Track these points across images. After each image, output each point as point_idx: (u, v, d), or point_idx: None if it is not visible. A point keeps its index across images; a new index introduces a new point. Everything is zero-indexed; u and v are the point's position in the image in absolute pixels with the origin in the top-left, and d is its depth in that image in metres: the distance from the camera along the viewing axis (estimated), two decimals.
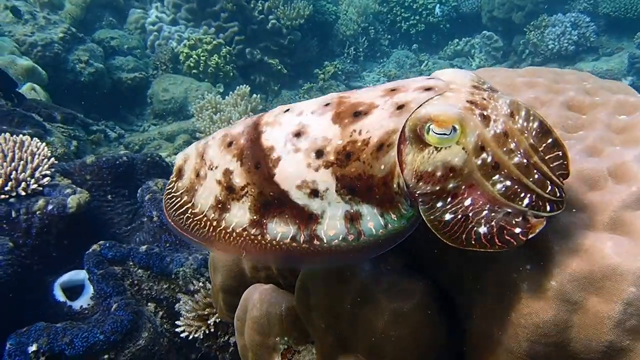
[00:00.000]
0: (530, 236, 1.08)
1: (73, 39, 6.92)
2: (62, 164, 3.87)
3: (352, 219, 1.21)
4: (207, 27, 8.76)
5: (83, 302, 3.43)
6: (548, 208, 1.11)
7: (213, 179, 1.37)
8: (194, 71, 8.26)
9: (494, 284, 1.26)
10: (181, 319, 2.98)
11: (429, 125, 1.13)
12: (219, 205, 1.34)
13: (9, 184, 3.31)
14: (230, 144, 1.37)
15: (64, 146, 4.32)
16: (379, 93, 1.28)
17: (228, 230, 1.31)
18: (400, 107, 1.21)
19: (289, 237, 1.24)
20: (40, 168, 3.44)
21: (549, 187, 1.11)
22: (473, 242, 1.10)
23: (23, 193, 3.34)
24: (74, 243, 3.54)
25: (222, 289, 2.10)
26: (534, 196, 1.10)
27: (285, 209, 1.26)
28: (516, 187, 1.10)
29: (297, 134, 1.27)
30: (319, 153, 1.24)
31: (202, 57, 8.21)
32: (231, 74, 8.43)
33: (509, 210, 1.10)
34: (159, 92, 7.70)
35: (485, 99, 1.18)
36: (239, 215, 1.31)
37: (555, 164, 1.15)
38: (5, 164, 3.35)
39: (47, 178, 3.45)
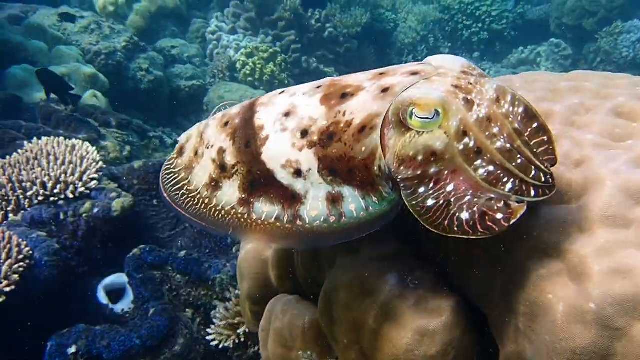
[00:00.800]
0: (512, 222, 1.05)
1: (135, 47, 7.16)
2: (111, 168, 3.95)
3: (334, 200, 1.22)
4: (265, 35, 8.84)
5: (124, 305, 3.46)
6: (532, 193, 1.08)
7: (209, 158, 1.41)
8: (250, 79, 8.35)
9: (526, 303, 1.14)
10: (212, 327, 2.94)
11: (412, 109, 1.12)
12: (212, 184, 1.38)
13: (58, 186, 3.40)
14: (226, 124, 1.41)
15: (116, 151, 4.42)
16: (368, 76, 1.29)
17: (218, 208, 1.35)
18: (384, 90, 1.21)
19: (273, 217, 1.27)
20: (88, 172, 3.52)
21: (533, 172, 1.08)
22: (455, 229, 1.08)
23: (71, 196, 3.42)
24: (118, 246, 3.59)
25: (248, 297, 2.07)
26: (517, 181, 1.08)
27: (271, 188, 1.28)
28: (499, 172, 1.08)
29: (287, 114, 1.29)
30: (304, 133, 1.25)
31: (258, 65, 8.29)
32: (286, 82, 8.46)
33: (492, 195, 1.08)
34: (215, 100, 7.83)
35: (471, 84, 1.16)
36: (229, 193, 1.34)
37: (540, 149, 1.11)
38: (55, 167, 3.45)
39: (95, 181, 3.52)
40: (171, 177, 1.51)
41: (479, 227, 1.07)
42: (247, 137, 1.33)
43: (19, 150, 3.67)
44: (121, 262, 3.44)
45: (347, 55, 9.31)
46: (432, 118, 1.11)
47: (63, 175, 3.43)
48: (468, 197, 1.09)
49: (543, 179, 1.09)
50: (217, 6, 9.46)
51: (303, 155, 1.24)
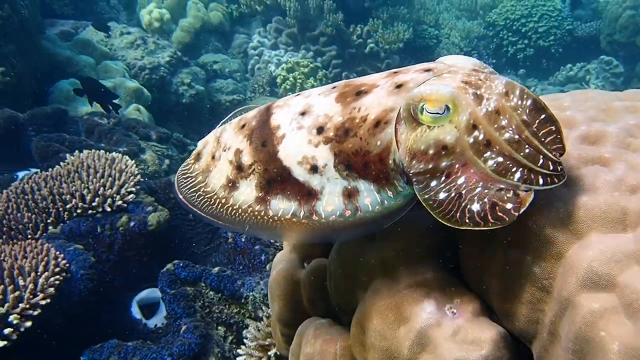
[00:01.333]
0: (522, 210, 1.07)
1: (178, 62, 7.29)
2: (149, 182, 3.97)
3: (350, 195, 1.24)
4: (306, 51, 8.87)
5: (157, 320, 3.44)
6: (541, 181, 1.09)
7: (226, 160, 1.44)
8: (290, 94, 8.35)
9: (576, 340, 1.04)
10: (243, 347, 2.87)
11: (423, 105, 1.14)
12: (229, 184, 1.40)
13: (97, 199, 3.42)
14: (243, 126, 1.45)
15: (155, 164, 4.45)
16: (383, 75, 1.32)
17: (235, 207, 1.37)
18: (399, 86, 1.24)
19: (289, 213, 1.29)
20: (126, 185, 3.53)
21: (541, 161, 1.10)
22: (467, 221, 1.10)
23: (109, 209, 3.44)
24: (153, 260, 3.58)
25: (279, 319, 1.99)
26: (525, 170, 1.09)
27: (288, 185, 1.30)
28: (507, 162, 1.10)
29: (303, 113, 1.32)
30: (320, 129, 1.28)
31: (298, 80, 8.30)
32: None
33: (502, 186, 1.10)
34: None
35: (480, 80, 1.18)
36: (246, 193, 1.36)
37: (549, 138, 1.13)
38: (95, 179, 3.48)
39: (132, 195, 3.53)
40: (188, 180, 1.54)
41: (489, 217, 1.08)
42: (263, 136, 1.36)
43: (61, 163, 3.73)
44: (156, 276, 3.42)
45: None
46: (443, 113, 1.13)
47: (101, 189, 3.45)
48: (479, 189, 1.11)
49: (551, 167, 1.10)
50: (260, 22, 9.57)
51: (319, 151, 1.27)
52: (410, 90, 1.18)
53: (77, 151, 3.87)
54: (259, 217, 1.33)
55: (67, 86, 5.80)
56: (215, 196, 1.42)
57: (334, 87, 1.36)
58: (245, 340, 2.89)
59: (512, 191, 1.09)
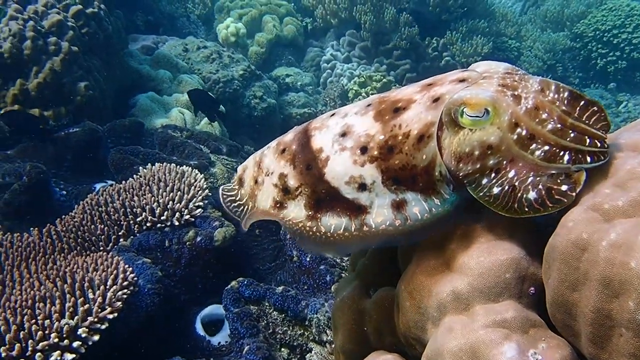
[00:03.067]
0: (578, 189, 1.12)
1: (251, 75, 7.36)
2: (217, 196, 3.95)
3: (399, 206, 1.29)
4: (379, 64, 8.72)
5: (221, 338, 3.38)
6: (589, 159, 1.13)
7: (270, 184, 1.50)
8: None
9: None
10: None
11: (463, 109, 1.19)
12: (277, 205, 1.47)
13: (165, 213, 3.43)
14: (283, 151, 1.49)
15: (225, 178, 4.45)
16: (417, 89, 1.35)
17: (286, 220, 1.44)
18: (436, 99, 1.28)
19: (341, 228, 1.34)
20: (194, 199, 3.53)
21: (588, 141, 1.14)
22: (526, 209, 1.15)
23: (177, 223, 3.44)
24: (218, 276, 3.54)
25: (342, 351, 1.90)
26: (572, 152, 1.14)
27: (337, 203, 1.35)
28: (554, 149, 1.14)
29: (343, 134, 1.37)
30: (364, 149, 1.32)
31: (370, 95, 8.16)
32: None
33: (553, 171, 1.15)
34: None
35: (516, 81, 1.23)
36: (296, 211, 1.42)
37: (593, 119, 1.17)
38: (164, 193, 3.50)
39: (200, 209, 3.51)
40: (240, 209, 1.62)
41: (547, 202, 1.13)
42: (307, 160, 1.41)
43: (134, 176, 3.79)
44: (220, 291, 3.38)
45: None
46: (482, 116, 1.19)
47: (171, 202, 3.46)
48: (531, 178, 1.16)
49: (599, 144, 1.13)
50: (334, 35, 9.53)
51: (366, 170, 1.32)
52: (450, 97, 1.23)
53: (149, 164, 3.92)
54: (310, 232, 1.38)
55: (145, 100, 5.99)
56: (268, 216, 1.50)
57: (368, 105, 1.39)
58: None
59: (564, 174, 1.14)
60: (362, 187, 1.32)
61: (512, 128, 1.17)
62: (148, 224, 3.47)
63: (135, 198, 3.53)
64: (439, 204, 1.27)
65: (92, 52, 5.60)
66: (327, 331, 3.11)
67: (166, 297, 3.22)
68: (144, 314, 3.09)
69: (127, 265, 3.12)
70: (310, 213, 1.39)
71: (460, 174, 1.21)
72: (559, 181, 1.13)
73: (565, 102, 1.18)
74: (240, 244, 3.77)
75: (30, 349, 2.55)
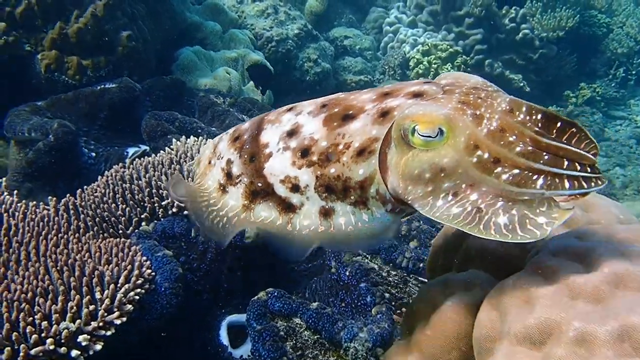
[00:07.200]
0: (557, 224, 1.05)
1: (307, 35, 6.76)
2: None
3: (326, 213, 1.31)
4: (447, 32, 7.91)
5: (244, 352, 3.00)
6: (567, 185, 1.06)
7: (219, 167, 1.55)
8: (422, 79, 7.52)
9: None
10: None
11: (414, 126, 1.14)
12: (221, 188, 1.52)
13: None
14: (236, 139, 1.53)
15: None
16: (372, 97, 1.33)
17: (224, 209, 1.48)
18: (384, 114, 1.25)
19: (269, 220, 1.38)
20: None
21: (565, 164, 1.07)
22: (493, 232, 1.08)
23: None
24: (246, 276, 3.14)
25: None
26: (548, 176, 1.07)
27: (271, 197, 1.39)
28: (526, 172, 1.08)
29: (291, 133, 1.37)
30: (305, 152, 1.33)
31: (433, 65, 7.43)
32: None
33: (527, 197, 1.08)
34: None
35: (480, 99, 1.16)
36: (235, 198, 1.47)
37: (573, 140, 1.09)
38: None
39: None
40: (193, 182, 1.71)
41: (518, 230, 1.06)
42: (252, 152, 1.44)
43: (166, 149, 3.39)
44: (249, 294, 2.98)
45: (541, 62, 7.99)
46: (436, 137, 1.12)
47: None
48: (500, 203, 1.09)
49: (579, 168, 1.07)
50: None
51: (301, 173, 1.32)
52: (401, 112, 1.18)
53: (183, 137, 3.50)
54: (244, 220, 1.42)
55: (191, 54, 5.53)
56: (212, 196, 1.54)
57: (324, 106, 1.37)
58: None
59: (546, 204, 1.07)
60: (295, 188, 1.33)
61: (471, 150, 1.11)
62: (174, 210, 3.07)
63: (164, 177, 3.13)
64: (366, 220, 1.27)
65: None
66: None
67: (187, 298, 2.85)
68: (158, 317, 2.73)
69: (144, 259, 2.75)
70: (246, 203, 1.43)
71: (409, 198, 1.16)
72: (537, 211, 1.07)
73: (539, 124, 1.11)
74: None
75: (22, 353, 2.23)
